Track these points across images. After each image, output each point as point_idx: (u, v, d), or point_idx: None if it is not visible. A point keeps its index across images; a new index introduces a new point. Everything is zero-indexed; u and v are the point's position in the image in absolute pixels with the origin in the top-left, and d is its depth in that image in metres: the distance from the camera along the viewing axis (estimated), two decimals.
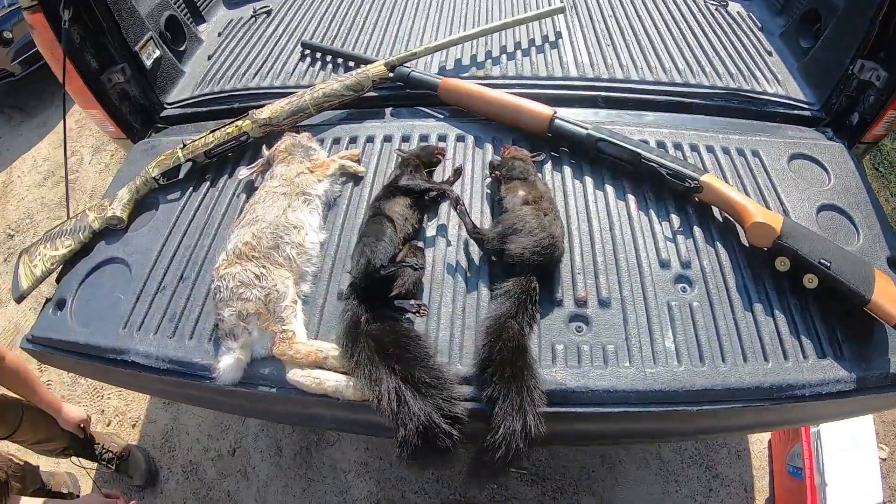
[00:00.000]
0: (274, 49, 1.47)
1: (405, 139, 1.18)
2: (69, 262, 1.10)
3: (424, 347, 0.81)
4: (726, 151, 1.14)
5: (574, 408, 0.83)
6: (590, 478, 1.65)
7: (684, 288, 0.94)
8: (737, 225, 1.00)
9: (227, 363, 0.84)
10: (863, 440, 1.55)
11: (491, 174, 1.03)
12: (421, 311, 0.84)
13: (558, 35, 1.41)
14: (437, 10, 1.56)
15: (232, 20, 1.65)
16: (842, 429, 1.55)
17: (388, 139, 1.18)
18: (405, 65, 1.26)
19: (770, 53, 1.41)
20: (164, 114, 1.39)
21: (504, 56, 1.36)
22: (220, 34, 1.60)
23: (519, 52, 1.37)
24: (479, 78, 1.30)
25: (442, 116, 1.25)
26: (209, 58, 1.51)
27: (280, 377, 0.87)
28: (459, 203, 0.93)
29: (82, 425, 1.44)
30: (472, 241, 0.95)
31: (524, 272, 0.86)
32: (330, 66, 1.39)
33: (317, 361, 0.83)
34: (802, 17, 1.43)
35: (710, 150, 1.14)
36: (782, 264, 0.93)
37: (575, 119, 1.11)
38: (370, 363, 0.79)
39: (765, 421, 0.99)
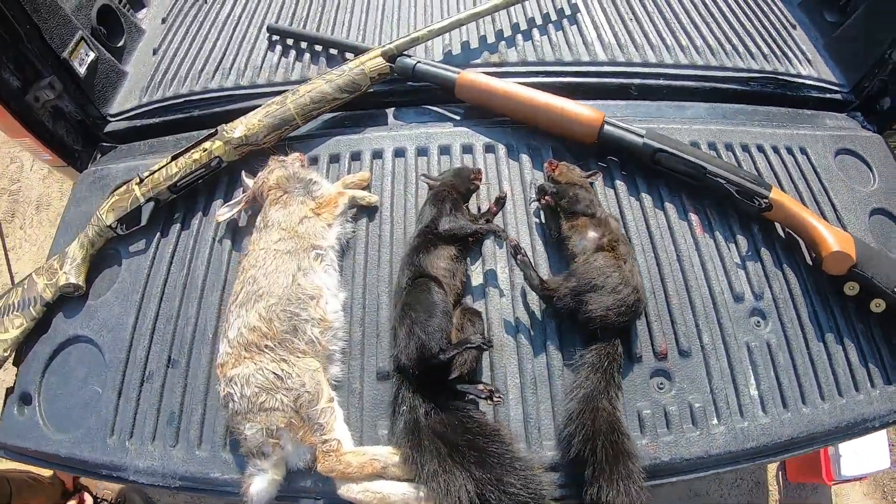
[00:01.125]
0: (234, 36, 1.22)
1: (421, 152, 1.01)
2: (24, 343, 0.91)
3: (501, 443, 0.70)
4: (776, 151, 1.07)
5: (669, 478, 0.77)
6: None
7: (758, 322, 0.88)
8: (801, 242, 0.97)
9: (260, 487, 0.71)
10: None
11: (541, 200, 0.89)
12: (494, 398, 0.73)
13: (575, 9, 1.25)
14: None
15: (177, 0, 1.36)
16: None
17: (399, 153, 1.01)
18: (406, 53, 1.08)
19: (794, 27, 1.33)
20: (108, 129, 1.14)
21: (519, 37, 1.19)
22: (163, 20, 1.31)
23: (535, 31, 1.20)
24: (495, 64, 1.12)
25: (458, 117, 1.08)
26: (154, 52, 1.24)
27: (328, 489, 0.74)
28: (520, 252, 0.80)
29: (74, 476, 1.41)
30: (527, 287, 0.83)
31: (607, 336, 0.77)
32: (308, 56, 1.17)
33: (374, 473, 0.71)
34: None
35: (759, 149, 1.06)
36: (851, 289, 0.88)
37: (625, 124, 0.98)
38: (442, 468, 0.68)
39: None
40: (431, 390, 0.74)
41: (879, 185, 1.08)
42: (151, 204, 0.92)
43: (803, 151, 1.09)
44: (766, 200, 0.92)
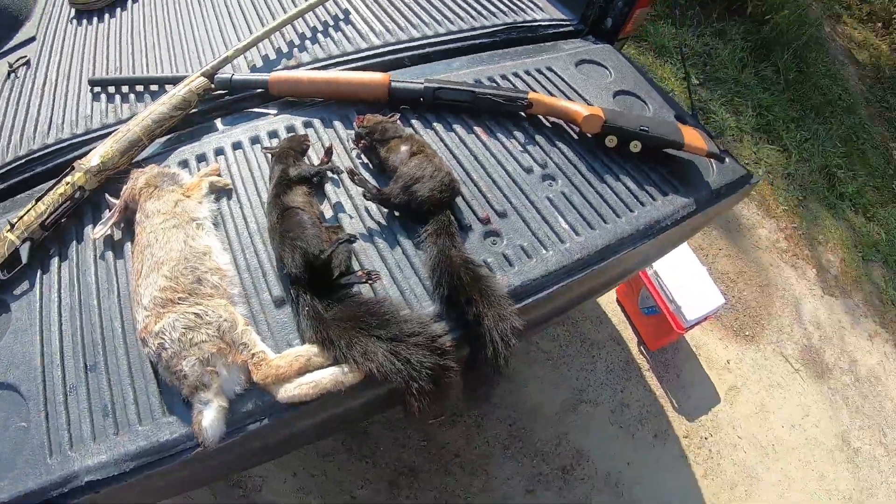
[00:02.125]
0: (56, 97, 1.40)
1: (255, 141, 1.27)
2: None
3: (391, 307, 0.95)
4: (528, 73, 1.47)
5: (529, 298, 1.06)
6: (497, 395, 2.01)
7: (551, 183, 1.23)
8: (565, 124, 1.37)
9: (211, 416, 0.87)
10: (689, 264, 2.15)
11: (359, 144, 1.19)
12: (372, 276, 0.98)
13: (347, 12, 1.61)
14: (226, 14, 1.63)
15: None
16: (670, 263, 2.12)
17: (237, 146, 1.26)
18: (222, 71, 1.34)
19: None
20: None
21: (307, 42, 1.51)
22: None
23: (320, 35, 1.53)
24: (294, 67, 1.44)
25: (275, 111, 1.35)
26: None
27: (268, 404, 0.92)
28: (356, 174, 1.08)
29: None
30: (372, 207, 1.12)
31: (437, 212, 1.07)
32: (133, 96, 1.38)
33: (301, 368, 0.90)
34: None
35: (515, 75, 1.45)
36: (611, 141, 1.28)
37: (407, 79, 1.33)
38: (354, 342, 0.90)
39: (645, 255, 1.36)
40: (322, 290, 0.98)
41: (615, 76, 1.53)
42: (27, 244, 1.06)
43: (550, 69, 1.50)
44: (527, 100, 1.30)
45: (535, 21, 1.68)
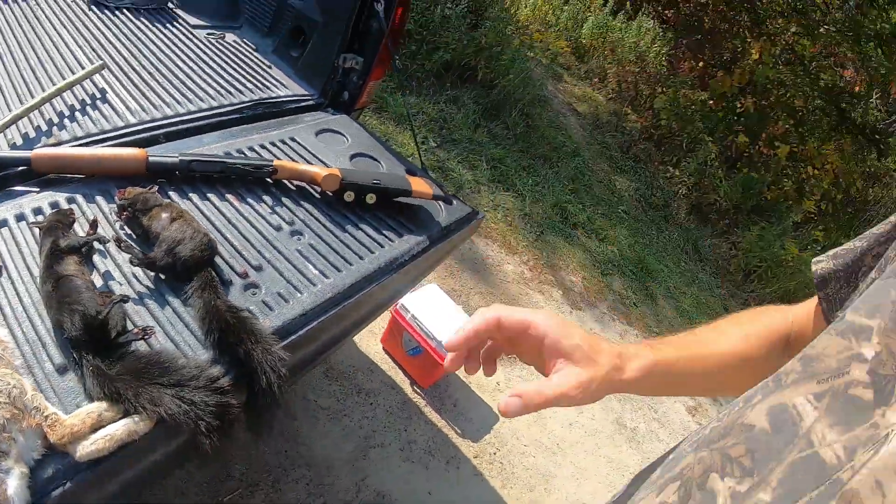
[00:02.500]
0: None
1: (20, 218, 1.27)
2: None
3: (169, 357, 1.04)
4: (273, 143, 1.68)
5: (291, 336, 1.21)
6: (289, 458, 2.12)
7: (299, 238, 1.43)
8: (308, 186, 1.59)
9: (15, 484, 0.86)
10: (443, 304, 2.49)
11: (122, 216, 1.28)
12: (147, 332, 1.06)
13: (104, 91, 1.67)
14: None
15: None
16: (426, 305, 2.43)
17: (2, 224, 1.25)
18: None
19: (270, 67, 2.05)
20: None
21: (67, 120, 1.54)
22: None
23: (78, 114, 1.56)
24: (55, 144, 1.47)
25: (38, 189, 1.36)
26: None
27: (69, 466, 0.94)
28: (122, 241, 1.17)
29: None
30: (139, 271, 1.20)
31: (199, 270, 1.19)
32: None
33: (94, 424, 0.94)
34: (289, 33, 2.12)
35: (262, 146, 1.65)
36: (349, 196, 1.54)
37: (163, 153, 1.45)
38: (141, 392, 0.97)
39: (393, 290, 1.61)
40: (103, 350, 1.03)
41: (352, 141, 1.81)
42: None
43: (293, 139, 1.73)
44: (272, 167, 1.50)
45: (280, 97, 1.91)
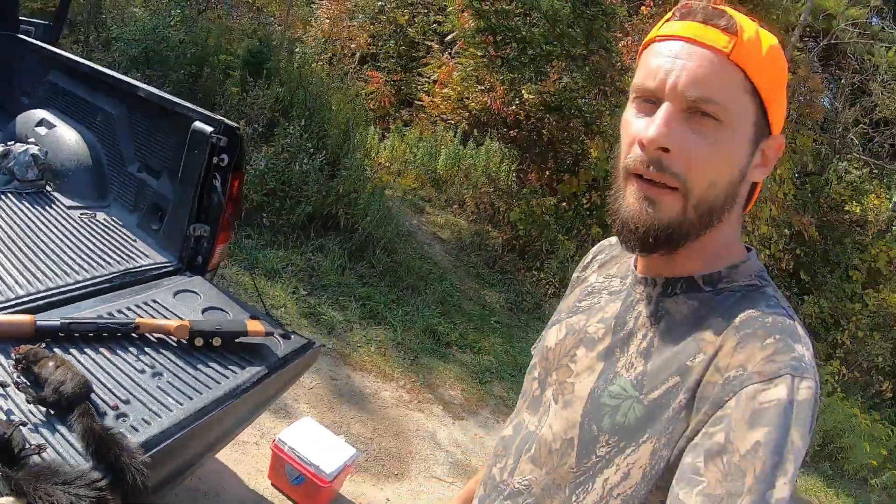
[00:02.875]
0: None
1: None
2: None
3: (58, 465, 1.42)
4: (139, 305, 2.14)
5: (154, 448, 1.61)
6: None
7: (159, 378, 1.83)
8: (166, 336, 2.07)
9: None
10: (318, 434, 2.89)
11: (18, 367, 1.66)
12: (42, 448, 1.43)
13: None
14: None
15: None
16: (302, 437, 2.82)
17: None
18: None
19: (135, 240, 2.56)
20: None
21: None
22: None
23: None
24: None
25: None
26: None
27: None
28: (19, 384, 1.58)
29: None
30: (33, 408, 1.58)
31: (79, 404, 1.61)
32: None
33: None
34: (149, 209, 2.65)
35: (129, 308, 2.10)
36: (199, 341, 2.03)
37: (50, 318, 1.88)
38: (39, 488, 1.32)
39: (242, 412, 2.03)
40: (9, 461, 1.40)
41: (204, 298, 2.33)
42: None
43: (154, 301, 2.23)
44: (134, 324, 2.00)
45: (144, 266, 2.40)
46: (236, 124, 2.46)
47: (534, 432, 0.90)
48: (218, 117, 2.47)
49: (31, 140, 2.74)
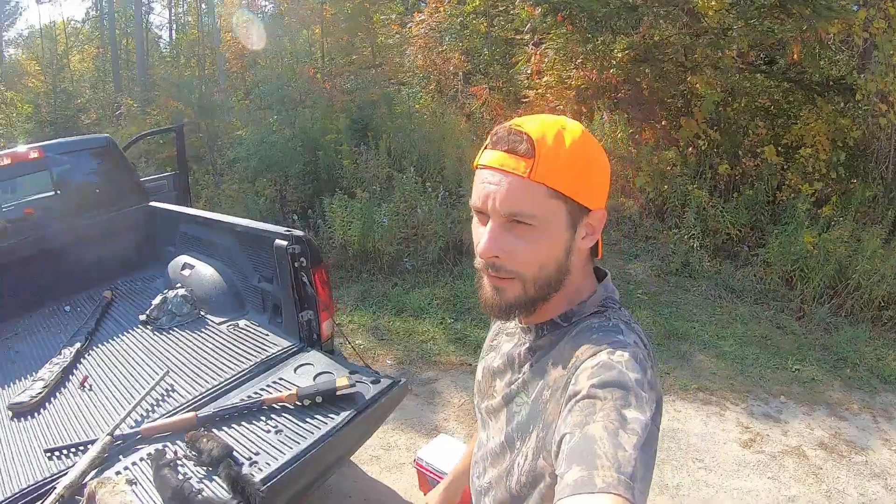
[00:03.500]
0: None
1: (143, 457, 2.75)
2: None
3: (211, 499, 2.41)
4: (269, 385, 3.04)
5: (272, 480, 2.48)
6: None
7: (279, 431, 2.72)
8: (288, 404, 2.98)
9: None
10: (447, 443, 3.43)
11: (187, 446, 2.55)
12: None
13: (172, 386, 3.21)
14: None
15: None
16: (433, 450, 3.34)
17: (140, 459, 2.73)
18: None
19: (267, 334, 3.54)
20: None
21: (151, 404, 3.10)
22: None
23: (158, 399, 3.11)
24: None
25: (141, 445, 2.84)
26: None
27: None
28: (188, 456, 2.61)
29: None
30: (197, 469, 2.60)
31: (223, 461, 2.57)
32: None
33: None
34: (272, 308, 3.62)
35: (262, 389, 3.00)
36: (307, 402, 2.88)
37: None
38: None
39: (342, 446, 2.75)
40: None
41: (316, 368, 3.22)
42: None
43: (281, 378, 3.10)
44: (262, 401, 2.92)
45: (274, 353, 3.36)
46: (302, 233, 3.33)
47: (487, 444, 1.19)
48: (289, 231, 3.36)
49: (179, 284, 3.93)
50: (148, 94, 13.13)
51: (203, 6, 17.92)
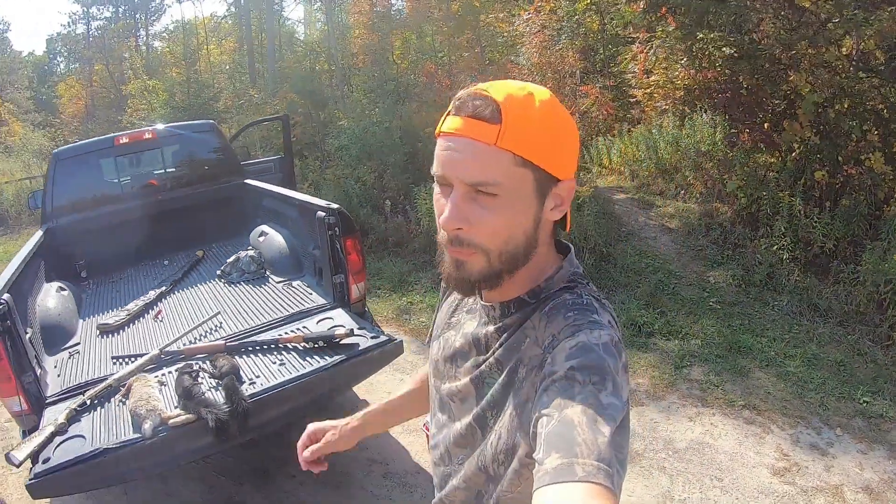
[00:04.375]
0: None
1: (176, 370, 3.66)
2: None
3: (209, 401, 3.13)
4: (292, 330, 3.78)
5: (255, 398, 3.17)
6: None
7: (283, 363, 3.43)
8: (296, 343, 3.76)
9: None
10: None
11: (208, 363, 3.40)
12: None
13: (220, 322, 4.14)
14: None
15: None
16: None
17: (175, 366, 3.65)
18: None
19: (311, 293, 4.27)
20: None
21: (202, 334, 4.02)
22: None
23: (206, 331, 4.04)
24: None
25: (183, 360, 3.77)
26: None
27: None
28: (211, 373, 3.46)
29: None
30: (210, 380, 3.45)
31: (227, 375, 3.37)
32: None
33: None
34: (317, 271, 4.41)
35: (287, 332, 3.78)
36: (310, 345, 3.65)
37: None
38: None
39: (326, 385, 3.46)
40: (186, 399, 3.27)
41: (335, 322, 3.98)
42: None
43: (304, 326, 3.87)
44: (277, 339, 3.73)
45: (308, 307, 4.09)
46: (338, 205, 4.09)
47: (451, 425, 1.17)
48: (326, 204, 4.14)
49: (250, 246, 4.89)
50: (276, 86, 14.88)
51: (334, 2, 19.54)
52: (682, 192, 7.45)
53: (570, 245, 1.13)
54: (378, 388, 4.78)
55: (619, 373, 0.91)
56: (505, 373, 1.04)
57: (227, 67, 22.31)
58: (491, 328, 1.10)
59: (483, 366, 1.09)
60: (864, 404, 4.36)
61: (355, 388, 4.67)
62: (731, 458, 3.83)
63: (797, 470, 3.71)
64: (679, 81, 7.47)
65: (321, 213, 4.08)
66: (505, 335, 1.07)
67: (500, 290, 1.07)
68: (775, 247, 6.16)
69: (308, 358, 3.51)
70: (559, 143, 0.98)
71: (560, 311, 1.00)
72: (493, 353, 1.08)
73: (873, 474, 3.66)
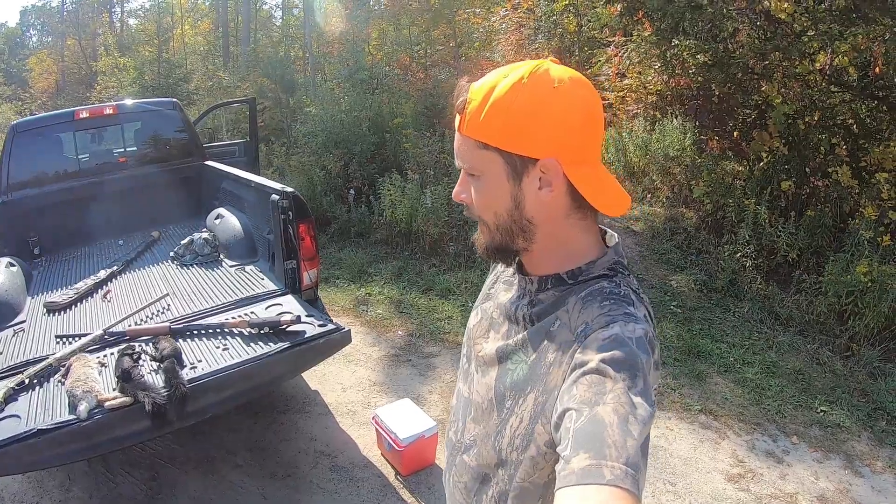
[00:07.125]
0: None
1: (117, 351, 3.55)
2: None
3: (148, 384, 3.05)
4: (239, 315, 3.69)
5: (194, 383, 3.10)
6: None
7: (227, 350, 3.40)
8: (240, 328, 3.68)
9: None
10: (406, 408, 3.90)
11: (151, 345, 3.33)
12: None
13: (167, 304, 4.00)
14: None
15: None
16: (391, 410, 3.85)
17: (118, 347, 3.54)
18: None
19: (263, 278, 4.16)
20: None
21: (146, 316, 3.93)
22: None
23: (151, 313, 3.93)
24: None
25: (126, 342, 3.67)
26: None
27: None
28: (150, 355, 3.37)
29: None
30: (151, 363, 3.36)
31: (168, 359, 3.28)
32: None
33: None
34: (270, 256, 4.27)
35: (234, 317, 3.67)
36: (255, 330, 3.47)
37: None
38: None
39: (272, 371, 3.32)
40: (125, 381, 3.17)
41: (283, 308, 3.90)
42: None
43: (252, 312, 3.79)
44: (222, 324, 3.64)
45: (258, 292, 3.97)
46: (291, 189, 3.99)
47: (469, 398, 1.19)
48: (281, 187, 4.06)
49: (206, 229, 4.78)
50: (247, 69, 14.77)
51: None
52: (649, 195, 7.49)
53: (616, 235, 1.15)
54: (330, 379, 4.68)
55: (651, 370, 0.91)
56: (532, 354, 1.06)
57: (202, 49, 22.01)
58: (525, 301, 1.12)
59: (511, 340, 1.11)
60: (822, 413, 4.42)
61: (306, 379, 4.62)
62: (685, 463, 3.86)
63: (752, 477, 3.74)
64: (652, 86, 7.51)
65: (275, 197, 4.00)
66: (537, 309, 1.09)
67: (535, 264, 1.12)
68: (739, 254, 6.20)
69: (252, 344, 3.42)
70: (527, 124, 0.98)
71: (596, 298, 1.01)
72: (524, 329, 1.10)
73: (828, 483, 3.70)
